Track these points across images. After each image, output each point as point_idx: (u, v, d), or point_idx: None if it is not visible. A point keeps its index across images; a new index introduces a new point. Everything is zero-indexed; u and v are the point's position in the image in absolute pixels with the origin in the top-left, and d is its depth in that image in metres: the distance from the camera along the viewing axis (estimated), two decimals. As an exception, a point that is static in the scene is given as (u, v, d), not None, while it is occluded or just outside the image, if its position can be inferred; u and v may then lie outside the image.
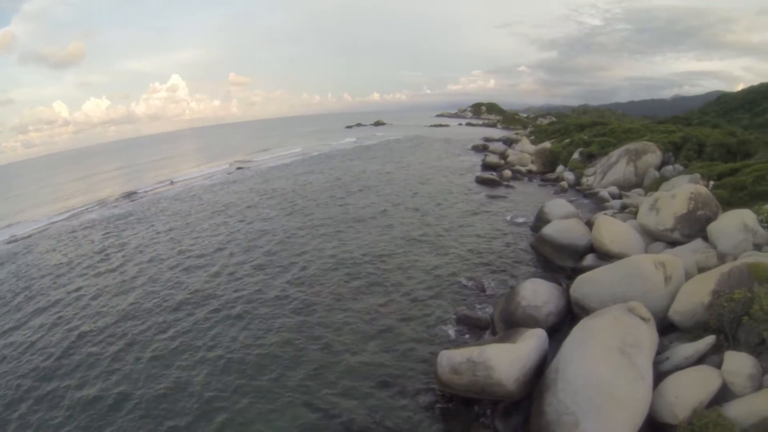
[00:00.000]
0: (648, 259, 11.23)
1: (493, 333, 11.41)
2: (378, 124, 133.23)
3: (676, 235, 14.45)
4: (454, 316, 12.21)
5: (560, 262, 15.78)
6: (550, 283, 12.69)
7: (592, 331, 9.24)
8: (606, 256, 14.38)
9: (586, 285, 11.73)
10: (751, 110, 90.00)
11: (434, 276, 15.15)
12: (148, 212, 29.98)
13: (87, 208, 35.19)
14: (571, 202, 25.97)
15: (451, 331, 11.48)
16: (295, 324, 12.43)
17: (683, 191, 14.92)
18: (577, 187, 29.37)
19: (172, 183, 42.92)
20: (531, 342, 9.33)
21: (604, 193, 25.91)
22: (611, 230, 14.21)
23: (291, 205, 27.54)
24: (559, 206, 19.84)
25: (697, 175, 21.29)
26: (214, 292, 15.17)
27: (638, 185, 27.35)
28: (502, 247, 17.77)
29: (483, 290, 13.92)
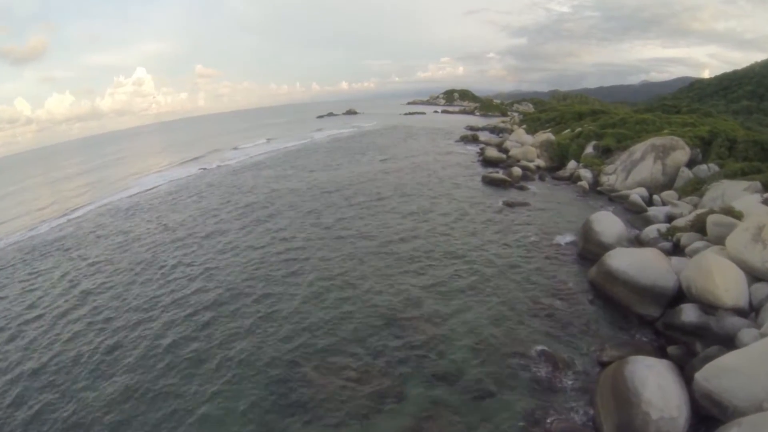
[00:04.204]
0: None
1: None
2: (350, 113, 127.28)
3: (788, 275, 10.98)
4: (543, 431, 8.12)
5: (640, 310, 12.07)
6: (667, 364, 8.95)
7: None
8: (711, 308, 10.71)
9: (728, 375, 8.03)
10: (726, 96, 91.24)
11: (482, 347, 10.79)
12: (90, 237, 23.70)
13: (24, 233, 28.28)
14: (597, 207, 22.70)
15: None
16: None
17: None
18: (598, 188, 26.01)
19: (127, 191, 36.62)
20: None
21: (635, 197, 22.56)
22: (726, 275, 10.49)
23: (263, 226, 21.76)
24: (610, 222, 16.18)
25: (757, 183, 18.08)
26: (141, 402, 9.87)
27: (667, 186, 24.29)
28: (552, 286, 13.81)
29: (558, 367, 9.93)
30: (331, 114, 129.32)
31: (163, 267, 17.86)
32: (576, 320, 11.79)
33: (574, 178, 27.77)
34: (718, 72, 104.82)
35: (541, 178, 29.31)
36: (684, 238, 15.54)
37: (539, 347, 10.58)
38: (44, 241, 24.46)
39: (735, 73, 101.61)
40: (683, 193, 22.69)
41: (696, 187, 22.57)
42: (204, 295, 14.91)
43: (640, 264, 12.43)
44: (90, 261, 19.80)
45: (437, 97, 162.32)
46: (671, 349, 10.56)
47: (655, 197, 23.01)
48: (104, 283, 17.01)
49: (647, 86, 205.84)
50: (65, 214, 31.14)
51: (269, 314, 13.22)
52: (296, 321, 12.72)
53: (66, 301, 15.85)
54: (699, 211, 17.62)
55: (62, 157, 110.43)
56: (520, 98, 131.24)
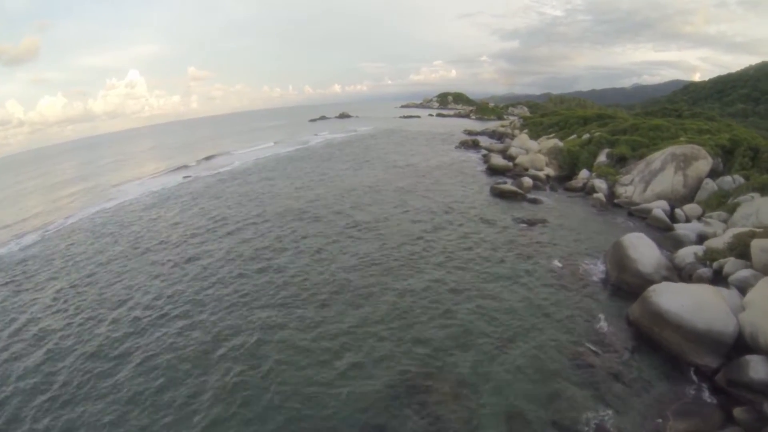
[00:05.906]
0: None
1: None
2: (343, 116, 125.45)
3: None
4: None
5: (695, 359, 10.27)
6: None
7: None
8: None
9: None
10: (720, 100, 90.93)
11: (516, 417, 8.80)
12: (55, 264, 21.01)
13: None
14: (619, 224, 21.03)
15: None
16: None
17: None
18: (615, 200, 24.30)
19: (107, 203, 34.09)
20: None
21: (658, 212, 20.91)
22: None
23: (246, 257, 18.65)
24: (645, 248, 14.41)
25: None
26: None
27: (689, 199, 22.74)
28: (589, 329, 11.81)
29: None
30: (323, 117, 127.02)
31: (129, 301, 15.56)
32: (622, 374, 9.92)
33: (588, 190, 26.05)
34: (710, 75, 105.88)
35: (553, 189, 27.59)
36: (728, 265, 13.81)
37: (587, 416, 8.68)
38: (10, 262, 22.15)
39: (729, 76, 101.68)
40: (707, 207, 21.11)
41: (721, 201, 20.99)
42: (172, 336, 12.84)
43: (694, 304, 10.65)
44: (53, 292, 17.38)
45: (431, 100, 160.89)
46: (738, 413, 8.81)
47: (678, 211, 21.35)
48: (66, 324, 14.50)
49: (639, 89, 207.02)
50: (39, 229, 28.76)
51: (250, 373, 10.84)
52: (284, 379, 10.46)
53: (20, 341, 13.69)
54: (736, 231, 15.95)
55: (51, 162, 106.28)
56: (513, 101, 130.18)
